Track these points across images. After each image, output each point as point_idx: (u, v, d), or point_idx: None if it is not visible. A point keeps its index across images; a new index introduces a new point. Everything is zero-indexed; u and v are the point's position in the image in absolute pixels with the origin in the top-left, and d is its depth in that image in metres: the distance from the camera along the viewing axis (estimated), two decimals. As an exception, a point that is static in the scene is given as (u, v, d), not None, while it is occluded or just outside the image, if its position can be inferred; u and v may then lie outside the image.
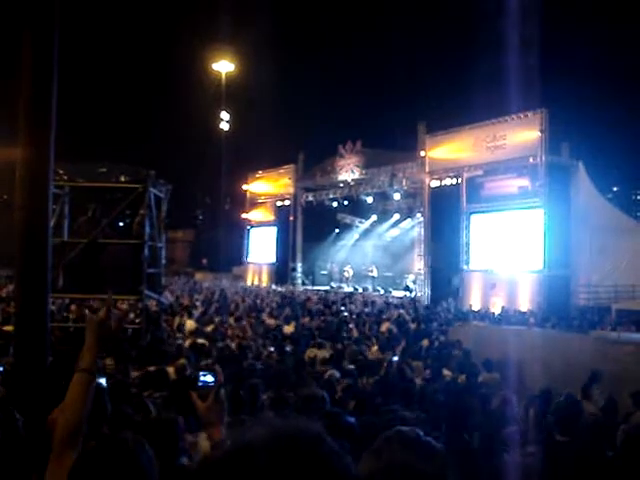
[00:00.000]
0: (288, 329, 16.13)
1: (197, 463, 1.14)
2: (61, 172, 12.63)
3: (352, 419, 4.48)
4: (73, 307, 18.12)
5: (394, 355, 11.08)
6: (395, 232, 38.24)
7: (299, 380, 7.83)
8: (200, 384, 2.91)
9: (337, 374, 8.14)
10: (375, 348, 13.16)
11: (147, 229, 14.12)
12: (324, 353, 11.24)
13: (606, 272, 25.25)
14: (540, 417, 6.80)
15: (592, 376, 9.79)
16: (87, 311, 17.04)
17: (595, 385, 9.67)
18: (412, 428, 1.75)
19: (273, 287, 38.46)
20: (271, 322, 17.71)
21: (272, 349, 11.63)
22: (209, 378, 2.92)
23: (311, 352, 11.02)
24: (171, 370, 8.23)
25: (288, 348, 11.69)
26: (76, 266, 13.34)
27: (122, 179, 14.23)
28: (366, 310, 23.65)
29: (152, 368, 8.19)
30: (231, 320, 17.53)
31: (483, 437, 5.43)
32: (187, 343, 12.40)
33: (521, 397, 7.68)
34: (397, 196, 35.11)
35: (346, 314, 20.65)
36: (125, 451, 2.21)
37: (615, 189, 51.68)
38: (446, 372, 10.50)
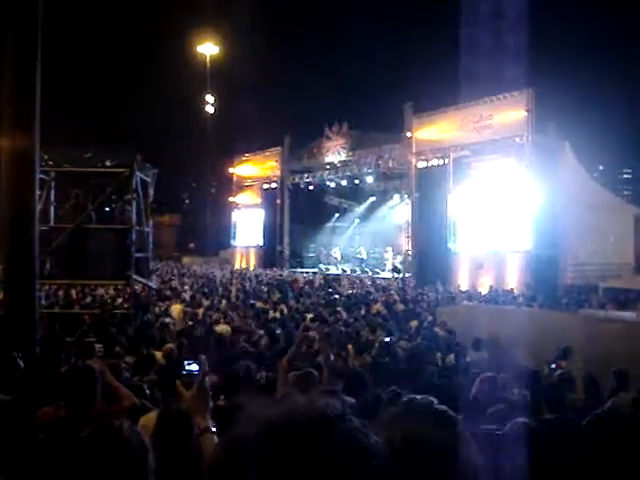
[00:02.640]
0: (277, 312, 16.13)
1: (224, 441, 1.17)
2: (46, 157, 12.53)
3: (351, 399, 4.49)
4: (61, 293, 18.10)
5: (386, 336, 11.11)
6: (383, 213, 38.24)
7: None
8: (184, 373, 2.91)
9: (331, 356, 8.15)
10: (363, 330, 13.18)
11: (134, 214, 14.08)
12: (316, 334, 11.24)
13: (593, 251, 25.37)
14: (528, 395, 6.85)
15: (562, 351, 10.03)
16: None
17: (565, 360, 9.88)
18: (425, 396, 1.75)
19: (261, 270, 38.45)
20: (260, 305, 17.70)
21: (262, 332, 11.63)
22: (194, 367, 2.93)
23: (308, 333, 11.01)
24: (159, 355, 8.22)
25: (278, 331, 11.70)
26: (63, 252, 13.30)
27: (108, 164, 14.16)
28: (354, 292, 23.68)
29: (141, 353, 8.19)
30: (222, 303, 17.54)
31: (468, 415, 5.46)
32: (176, 327, 12.41)
33: (509, 376, 7.73)
34: (384, 177, 35.09)
35: (336, 296, 20.68)
36: (119, 438, 2.21)
37: (601, 168, 51.85)
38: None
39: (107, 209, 15.61)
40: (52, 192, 13.99)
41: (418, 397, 1.78)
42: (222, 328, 12.08)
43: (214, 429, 2.66)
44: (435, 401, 1.75)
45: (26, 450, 3.49)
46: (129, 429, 2.29)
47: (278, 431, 1.08)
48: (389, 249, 35.39)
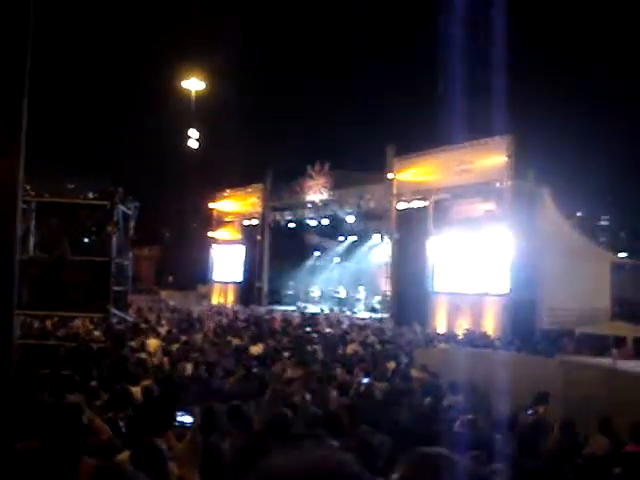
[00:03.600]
0: (255, 349, 16.06)
1: None
2: (28, 187, 12.51)
3: (335, 443, 4.48)
4: (36, 324, 17.90)
5: (361, 377, 11.09)
6: (362, 253, 38.34)
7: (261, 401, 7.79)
8: (177, 424, 2.90)
9: (308, 396, 8.13)
10: (340, 370, 13.13)
11: (114, 246, 14.03)
12: (294, 373, 11.22)
13: (569, 296, 25.53)
14: (505, 441, 6.85)
15: (539, 396, 10.08)
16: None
17: (541, 406, 9.92)
18: (437, 449, 1.75)
19: (238, 307, 38.31)
20: (237, 342, 17.61)
21: (239, 370, 11.57)
22: (186, 419, 2.93)
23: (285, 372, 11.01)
24: (136, 390, 8.13)
25: (255, 369, 11.64)
26: (41, 282, 13.19)
27: (90, 196, 14.15)
28: (332, 331, 23.64)
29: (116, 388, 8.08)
30: (198, 339, 17.44)
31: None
32: (152, 362, 12.30)
33: (486, 420, 7.74)
34: (365, 217, 35.23)
35: (314, 335, 20.63)
36: (121, 476, 2.20)
37: (579, 214, 52.44)
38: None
39: (87, 240, 15.55)
40: (32, 222, 13.91)
41: (435, 450, 1.78)
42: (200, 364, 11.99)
43: None
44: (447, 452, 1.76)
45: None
46: (132, 470, 2.29)
47: None
48: (361, 289, 35.55)
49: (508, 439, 7.16)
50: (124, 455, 4.23)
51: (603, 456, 6.76)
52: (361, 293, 35.22)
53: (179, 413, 2.89)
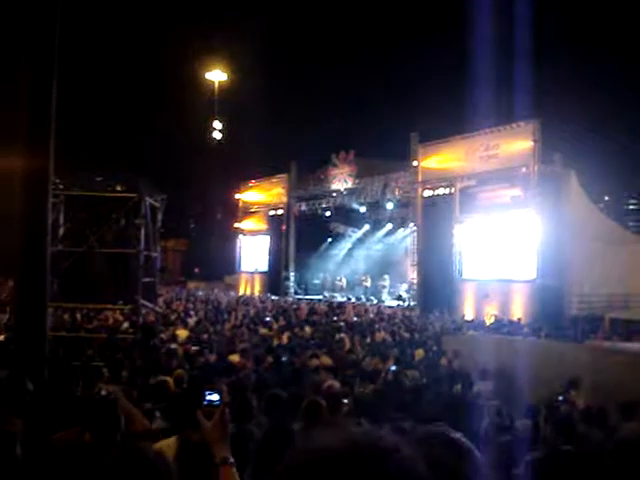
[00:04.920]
0: (283, 339, 16.13)
1: (277, 468, 1.15)
2: (57, 181, 12.63)
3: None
4: (66, 316, 18.09)
5: (391, 365, 11.10)
6: (389, 241, 38.29)
7: (297, 390, 7.82)
8: (205, 403, 2.95)
9: (337, 384, 8.15)
10: (369, 358, 13.16)
11: (142, 238, 14.15)
12: (323, 362, 11.26)
13: (598, 281, 25.32)
14: (538, 426, 6.83)
15: (571, 382, 10.01)
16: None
17: (573, 391, 9.85)
18: (440, 424, 1.77)
19: (266, 296, 38.45)
20: (265, 332, 17.69)
21: (270, 359, 11.62)
22: (215, 397, 2.97)
23: (313, 361, 11.05)
24: (171, 381, 8.19)
25: (284, 358, 11.70)
26: (70, 275, 13.34)
27: (118, 188, 14.27)
28: (359, 320, 23.65)
29: (152, 379, 8.16)
30: (226, 329, 17.54)
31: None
32: (181, 352, 12.39)
33: (516, 407, 7.72)
34: (390, 205, 35.16)
35: (341, 324, 20.65)
36: (145, 460, 2.24)
37: (607, 199, 51.88)
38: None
39: (116, 233, 15.66)
40: (61, 215, 14.05)
41: (437, 428, 1.80)
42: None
43: (232, 460, 2.70)
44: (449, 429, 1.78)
45: (43, 475, 3.49)
46: (155, 452, 2.32)
47: (332, 462, 1.08)
48: (386, 277, 35.50)
49: (542, 425, 7.14)
50: (164, 443, 4.29)
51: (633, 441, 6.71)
52: (386, 281, 35.20)
53: (207, 392, 2.94)
